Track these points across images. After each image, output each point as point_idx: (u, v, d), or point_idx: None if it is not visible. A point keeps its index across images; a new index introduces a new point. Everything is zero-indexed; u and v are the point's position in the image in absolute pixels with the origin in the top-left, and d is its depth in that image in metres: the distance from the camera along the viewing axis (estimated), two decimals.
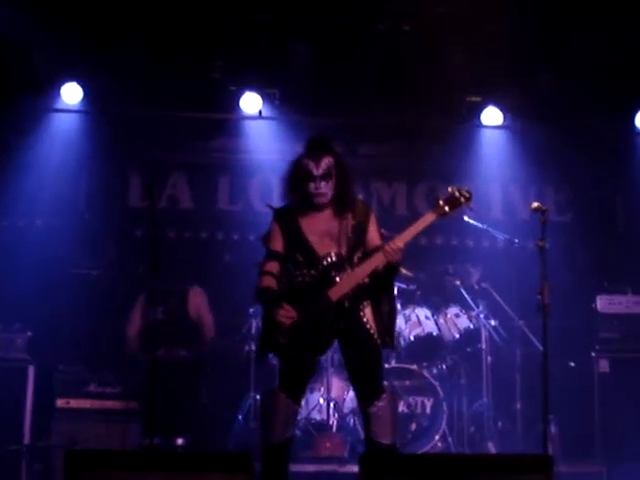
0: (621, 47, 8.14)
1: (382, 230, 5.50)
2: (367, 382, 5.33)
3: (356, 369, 5.37)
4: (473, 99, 8.94)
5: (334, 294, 5.22)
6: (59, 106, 8.60)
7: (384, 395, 5.31)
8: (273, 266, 5.38)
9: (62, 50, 8.01)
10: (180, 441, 7.13)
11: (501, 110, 8.93)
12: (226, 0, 7.87)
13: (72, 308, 8.09)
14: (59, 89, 8.47)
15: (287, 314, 5.20)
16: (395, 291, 7.78)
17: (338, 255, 5.29)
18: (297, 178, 5.39)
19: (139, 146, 8.94)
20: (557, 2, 7.75)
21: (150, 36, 8.12)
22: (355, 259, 5.33)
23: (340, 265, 5.27)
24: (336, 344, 5.49)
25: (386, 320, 5.38)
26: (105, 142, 8.74)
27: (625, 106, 8.91)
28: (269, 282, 5.34)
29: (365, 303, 5.33)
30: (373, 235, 5.41)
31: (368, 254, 5.31)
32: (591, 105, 8.63)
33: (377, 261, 5.21)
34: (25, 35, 7.74)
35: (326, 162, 5.35)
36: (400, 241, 5.17)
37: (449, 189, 5.33)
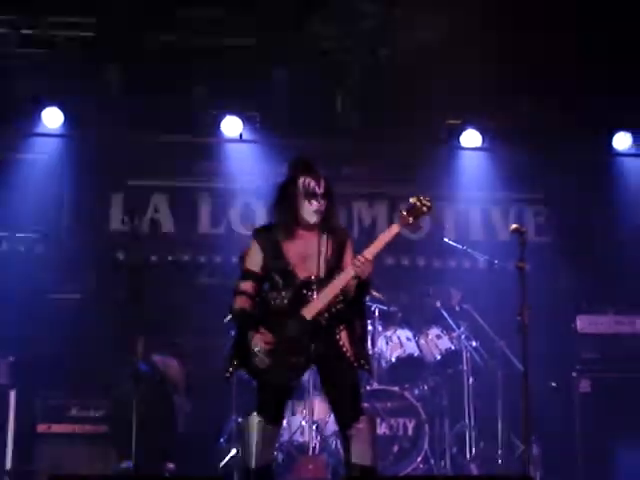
0: (599, 69, 8.22)
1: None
2: (346, 405, 5.32)
3: (334, 393, 5.35)
4: (452, 122, 9.01)
5: (308, 313, 5.22)
6: (40, 130, 8.61)
7: (362, 417, 5.31)
8: (248, 286, 5.36)
9: (42, 74, 8.03)
10: (171, 466, 7.12)
11: (480, 132, 8.99)
12: (207, 25, 7.91)
13: (53, 333, 8.05)
14: (40, 113, 8.47)
15: (264, 339, 5.18)
16: (376, 313, 7.87)
17: (317, 278, 5.30)
18: (294, 196, 5.34)
19: (120, 170, 8.94)
20: (535, 25, 7.83)
21: (131, 59, 8.15)
22: (330, 281, 5.34)
23: (318, 287, 5.27)
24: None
25: (359, 343, 5.39)
26: (86, 166, 8.74)
27: (603, 128, 8.99)
28: (244, 303, 5.32)
29: (340, 327, 5.32)
30: (348, 261, 5.42)
31: None
32: (569, 126, 8.71)
33: (347, 276, 5.22)
34: (6, 59, 7.75)
35: (324, 182, 5.38)
36: (368, 254, 5.19)
37: (410, 199, 5.37)
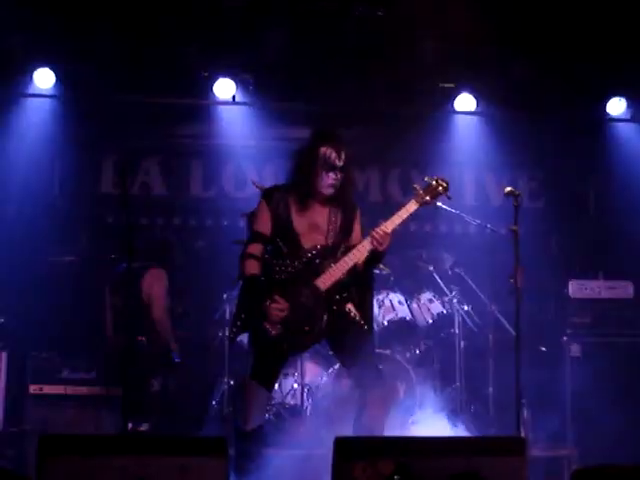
0: (595, 33, 8.18)
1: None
2: (363, 370, 5.33)
3: (351, 361, 5.36)
4: (446, 85, 8.95)
5: (322, 284, 5.21)
6: (31, 91, 8.54)
7: (385, 384, 5.33)
8: (257, 248, 5.32)
9: (34, 35, 7.95)
10: (144, 426, 7.09)
11: (474, 96, 8.95)
12: None
13: (44, 294, 8.02)
14: (31, 74, 8.40)
15: (279, 307, 5.15)
16: None
17: (324, 247, 5.28)
18: (312, 165, 5.29)
19: (112, 132, 8.88)
20: None
21: (122, 21, 8.07)
22: (338, 254, 5.32)
23: (325, 257, 5.26)
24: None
25: (366, 308, 5.42)
26: (78, 128, 8.67)
27: (597, 92, 8.96)
28: (254, 268, 5.28)
29: (350, 297, 5.33)
30: (357, 234, 5.42)
31: (350, 248, 5.31)
32: (565, 91, 8.68)
33: (363, 249, 5.21)
34: None
35: (346, 155, 5.32)
36: (386, 227, 5.19)
37: (426, 179, 5.40)
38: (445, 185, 5.39)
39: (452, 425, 7.01)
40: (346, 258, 5.23)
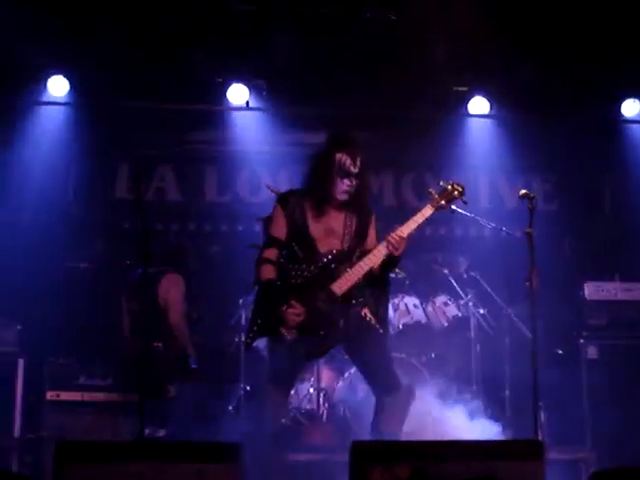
0: (607, 35, 8.16)
1: None
2: (381, 375, 5.33)
3: (368, 366, 5.37)
4: (460, 89, 8.95)
5: (338, 288, 5.21)
6: (46, 99, 8.58)
7: (402, 388, 5.32)
8: (273, 253, 5.33)
9: (48, 43, 7.98)
10: (161, 432, 7.10)
11: (488, 99, 8.93)
12: None
13: (61, 301, 8.07)
14: (46, 82, 8.45)
15: (296, 311, 5.16)
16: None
17: (339, 252, 5.28)
18: (328, 171, 5.28)
19: (126, 138, 8.91)
20: None
21: (134, 29, 8.09)
22: (354, 258, 5.31)
23: (340, 262, 5.26)
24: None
25: (382, 312, 5.42)
26: (92, 134, 8.71)
27: (612, 94, 8.94)
28: (270, 273, 5.29)
29: (366, 301, 5.33)
30: (372, 238, 5.42)
31: (366, 252, 5.31)
32: (578, 93, 8.66)
33: (379, 254, 5.21)
34: (11, 27, 7.70)
35: (361, 160, 5.31)
36: (402, 231, 5.19)
37: (441, 183, 5.40)
38: (461, 189, 5.39)
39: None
40: (362, 263, 5.23)
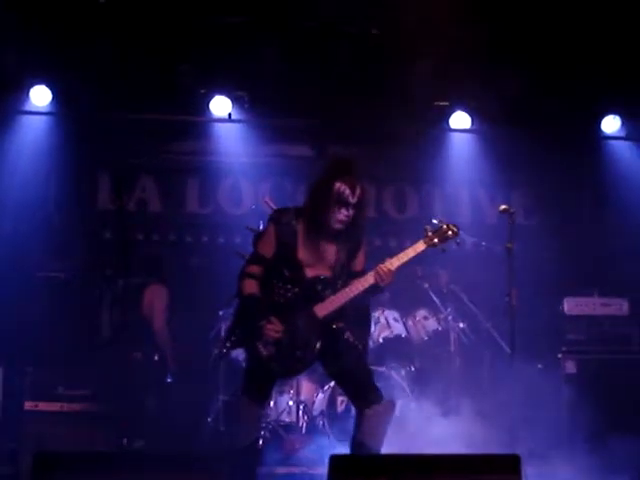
0: (588, 52, 8.23)
1: None
2: (362, 390, 5.33)
3: (348, 383, 5.38)
4: (441, 103, 8.99)
5: (320, 311, 5.23)
6: (28, 108, 8.56)
7: (383, 401, 5.33)
8: (257, 269, 5.33)
9: (31, 52, 7.98)
10: (139, 443, 7.08)
11: (469, 114, 8.99)
12: (196, 3, 7.87)
13: (41, 311, 8.03)
14: (28, 91, 8.43)
15: (274, 328, 5.18)
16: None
17: (327, 278, 5.28)
18: (326, 199, 5.24)
19: (108, 149, 8.90)
20: (525, 9, 7.82)
21: (118, 39, 8.09)
22: (338, 285, 5.31)
23: (326, 287, 5.27)
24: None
25: (364, 338, 5.47)
26: (74, 144, 8.70)
27: (592, 111, 9.01)
28: (252, 288, 5.29)
29: (347, 325, 5.36)
30: (360, 261, 5.42)
31: (353, 276, 5.32)
32: (558, 109, 8.72)
33: (366, 283, 5.24)
34: None
35: (359, 191, 5.29)
36: (392, 265, 5.21)
37: (435, 221, 5.43)
38: (455, 230, 5.42)
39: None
40: (347, 289, 5.26)
